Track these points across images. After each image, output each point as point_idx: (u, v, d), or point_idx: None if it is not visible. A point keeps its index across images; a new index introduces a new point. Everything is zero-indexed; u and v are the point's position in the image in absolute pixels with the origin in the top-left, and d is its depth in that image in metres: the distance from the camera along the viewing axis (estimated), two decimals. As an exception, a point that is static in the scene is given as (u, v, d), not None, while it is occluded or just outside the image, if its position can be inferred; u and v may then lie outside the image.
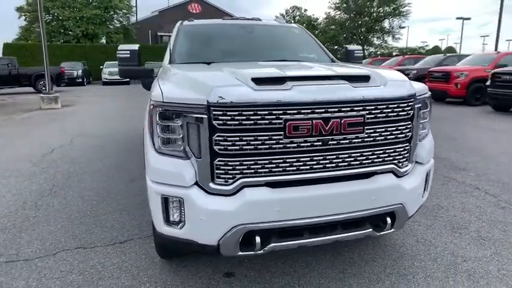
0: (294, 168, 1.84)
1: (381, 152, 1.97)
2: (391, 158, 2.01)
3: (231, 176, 1.79)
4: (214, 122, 1.73)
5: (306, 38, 3.68)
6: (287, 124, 1.76)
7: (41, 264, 2.50)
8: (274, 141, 1.78)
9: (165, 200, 1.87)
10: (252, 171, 1.80)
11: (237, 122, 1.73)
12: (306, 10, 62.12)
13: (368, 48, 44.33)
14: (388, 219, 2.02)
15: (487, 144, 6.04)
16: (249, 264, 2.49)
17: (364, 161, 1.94)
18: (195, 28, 3.45)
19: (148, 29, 38.19)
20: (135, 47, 3.08)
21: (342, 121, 1.82)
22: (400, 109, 1.96)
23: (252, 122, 1.74)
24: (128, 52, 3.07)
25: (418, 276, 2.34)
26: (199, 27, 3.55)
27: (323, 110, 1.79)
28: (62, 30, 31.00)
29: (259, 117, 1.74)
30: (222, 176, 1.79)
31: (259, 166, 1.80)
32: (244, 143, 1.75)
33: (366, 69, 2.19)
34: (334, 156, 1.88)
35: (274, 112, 1.74)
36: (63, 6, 29.84)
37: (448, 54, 15.77)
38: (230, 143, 1.75)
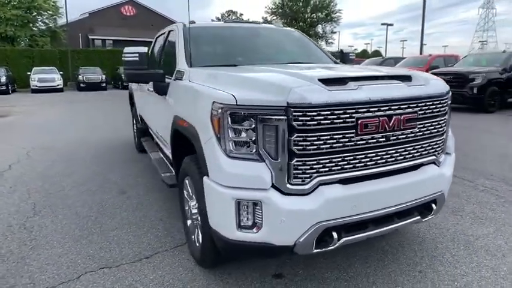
0: (362, 164, 1.93)
1: (427, 144, 2.15)
2: (433, 150, 2.20)
3: (307, 176, 1.82)
4: (294, 122, 1.74)
5: (306, 40, 3.81)
6: (359, 122, 1.85)
7: (68, 291, 2.26)
8: (347, 139, 1.85)
9: (239, 205, 1.83)
10: (327, 169, 1.85)
11: (315, 122, 1.77)
12: (241, 14, 62.90)
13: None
14: (434, 206, 2.21)
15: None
16: (292, 263, 2.52)
17: (415, 154, 2.11)
18: (203, 31, 3.36)
19: (79, 32, 35.48)
20: (144, 49, 2.92)
21: (402, 117, 1.96)
22: (441, 105, 2.17)
23: (329, 121, 1.79)
24: (137, 55, 2.89)
25: (446, 256, 2.58)
26: (208, 30, 3.47)
27: (387, 108, 1.92)
28: (-25, 32, 27.46)
29: (335, 116, 1.80)
30: (299, 176, 1.81)
31: (333, 164, 1.86)
32: (321, 142, 1.80)
33: (405, 70, 2.37)
34: (394, 151, 2.01)
35: (348, 111, 1.82)
36: (-25, 5, 26.45)
37: (386, 57, 17.24)
38: (309, 143, 1.78)
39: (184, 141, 2.63)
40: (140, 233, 3.05)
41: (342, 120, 1.81)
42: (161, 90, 2.96)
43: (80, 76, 22.35)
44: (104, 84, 22.96)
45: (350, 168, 1.90)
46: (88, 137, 7.19)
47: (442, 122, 2.21)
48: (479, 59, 10.98)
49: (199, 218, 2.30)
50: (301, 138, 1.77)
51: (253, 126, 1.79)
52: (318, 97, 1.76)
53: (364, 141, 1.90)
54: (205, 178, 2.01)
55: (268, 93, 1.80)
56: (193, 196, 2.44)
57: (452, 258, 2.56)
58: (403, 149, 2.04)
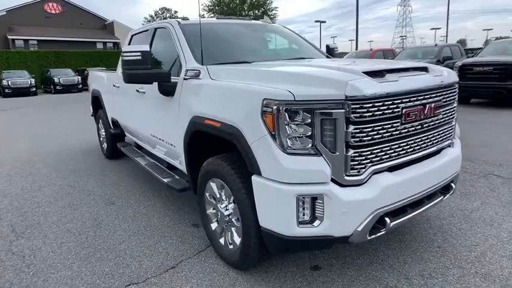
0: (404, 151, 2.04)
1: (446, 129, 2.34)
2: (450, 134, 2.41)
3: (362, 166, 1.88)
4: (351, 115, 1.78)
5: (296, 36, 3.87)
6: (403, 112, 1.95)
7: (102, 314, 2.05)
8: (394, 129, 1.94)
9: (300, 201, 1.82)
10: (378, 158, 1.93)
11: (370, 114, 1.83)
12: (176, 12, 61.17)
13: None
14: (452, 185, 2.42)
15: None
16: (322, 254, 2.57)
17: (439, 139, 2.28)
18: (203, 28, 3.23)
19: (-6, 31, 31.65)
20: (146, 47, 2.72)
21: (432, 105, 2.12)
22: (455, 92, 2.37)
23: (381, 112, 1.87)
24: (139, 54, 2.69)
25: (454, 230, 2.84)
26: (206, 27, 3.33)
27: (423, 97, 2.05)
28: None
29: (385, 107, 1.88)
30: (355, 167, 1.86)
31: (383, 153, 1.94)
32: (375, 132, 1.87)
33: (421, 62, 2.54)
34: (426, 137, 2.16)
35: (395, 102, 1.91)
36: None
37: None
38: (364, 134, 1.84)
39: (208, 142, 2.54)
40: (152, 243, 2.87)
41: (391, 111, 1.90)
42: (168, 90, 2.80)
43: (3, 81, 19.99)
44: (34, 89, 20.84)
45: (395, 156, 2.00)
46: (38, 148, 6.49)
47: (455, 108, 2.42)
48: (415, 52, 12.08)
49: (238, 219, 2.23)
50: (357, 130, 1.81)
51: (310, 121, 1.80)
52: (371, 89, 1.82)
53: (406, 130, 2.01)
54: (255, 177, 1.96)
55: (324, 88, 1.81)
56: (225, 198, 2.36)
57: (459, 231, 2.82)
58: (432, 135, 2.20)
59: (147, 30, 3.82)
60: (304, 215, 1.87)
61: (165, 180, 3.18)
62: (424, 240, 2.72)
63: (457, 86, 2.41)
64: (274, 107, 1.81)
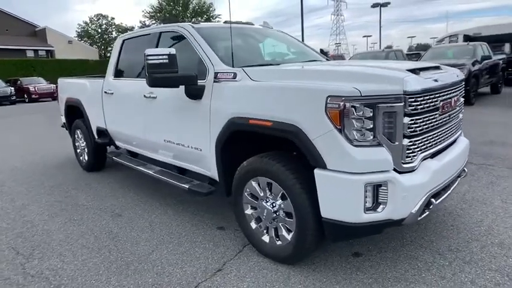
0: (440, 139, 2.31)
1: (460, 120, 2.67)
2: (461, 124, 2.75)
3: (414, 154, 2.09)
4: (408, 108, 1.99)
5: (298, 41, 4.04)
6: (441, 104, 2.21)
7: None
8: (435, 119, 2.20)
9: (367, 188, 1.97)
10: (424, 146, 2.16)
11: (421, 106, 2.05)
12: (113, 18, 58.51)
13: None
14: (465, 168, 2.75)
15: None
16: (357, 242, 2.74)
17: (457, 128, 2.60)
18: (217, 32, 3.24)
19: None
20: (172, 50, 2.68)
21: (455, 98, 2.42)
22: (463, 88, 2.71)
23: (427, 104, 2.10)
24: (166, 57, 2.65)
25: (457, 211, 3.20)
26: (221, 31, 3.34)
27: (451, 91, 2.34)
28: None
29: (430, 100, 2.12)
30: (409, 155, 2.06)
31: (427, 141, 2.18)
32: (423, 123, 2.10)
33: (433, 63, 2.85)
34: (451, 127, 2.46)
35: (436, 95, 2.16)
36: None
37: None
38: (416, 125, 2.06)
39: (247, 142, 2.59)
40: (184, 249, 2.81)
41: (433, 103, 2.15)
42: (195, 93, 2.78)
43: None
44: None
45: (435, 144, 2.25)
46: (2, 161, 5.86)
47: (463, 101, 2.77)
48: (365, 56, 13.09)
49: (290, 214, 2.31)
50: (412, 121, 2.02)
51: (371, 114, 1.96)
52: (420, 85, 2.05)
53: (442, 120, 2.28)
54: (318, 170, 2.07)
55: (383, 84, 1.99)
56: (272, 195, 2.42)
57: (462, 211, 3.19)
58: (454, 125, 2.50)
59: (146, 35, 3.72)
60: (366, 202, 2.02)
61: (186, 185, 3.13)
62: (438, 221, 3.03)
63: (463, 82, 2.76)
64: (341, 103, 1.94)
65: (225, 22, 3.58)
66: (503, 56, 12.34)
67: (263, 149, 2.59)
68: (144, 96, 3.43)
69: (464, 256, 2.48)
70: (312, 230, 2.22)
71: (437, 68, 2.55)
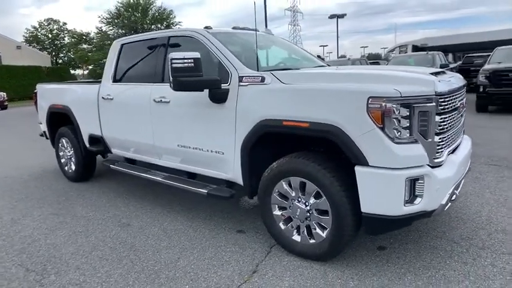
0: (457, 136, 2.53)
1: (465, 119, 2.94)
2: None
3: (442, 150, 2.28)
4: (439, 107, 2.17)
5: (300, 48, 4.18)
6: (459, 104, 2.44)
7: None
8: (455, 118, 2.41)
9: (408, 182, 2.12)
10: (448, 142, 2.36)
11: (448, 105, 2.26)
12: (65, 23, 55.51)
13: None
14: (469, 163, 3.02)
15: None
16: (379, 237, 2.88)
17: (463, 127, 2.86)
18: (232, 37, 3.25)
19: None
20: (197, 54, 2.68)
21: (464, 100, 2.66)
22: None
23: (451, 104, 2.31)
24: (191, 61, 2.64)
25: (455, 203, 3.48)
26: (235, 36, 3.35)
27: (462, 93, 2.58)
28: None
29: (452, 100, 2.33)
30: (439, 150, 2.25)
31: (450, 138, 2.38)
32: (449, 121, 2.30)
33: (437, 68, 3.09)
34: (461, 126, 2.70)
35: (456, 96, 2.39)
36: None
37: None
38: (444, 123, 2.25)
39: (273, 144, 2.66)
40: (210, 254, 2.78)
41: (454, 103, 2.37)
42: (220, 97, 2.80)
43: None
44: None
45: (453, 140, 2.47)
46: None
47: (464, 103, 3.05)
48: (333, 64, 13.66)
49: (326, 212, 2.40)
50: (441, 120, 2.21)
51: (408, 114, 2.11)
52: (447, 86, 2.25)
53: (457, 118, 2.50)
54: (359, 168, 2.18)
55: (418, 86, 2.16)
56: (305, 194, 2.49)
57: (460, 203, 3.47)
58: (463, 123, 2.75)
59: (151, 39, 3.65)
60: (411, 193, 2.16)
61: (204, 190, 3.11)
62: (443, 213, 3.25)
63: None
64: (383, 103, 2.07)
65: (234, 28, 3.63)
66: (457, 64, 13.48)
67: (287, 149, 2.68)
68: (154, 100, 3.37)
69: (477, 243, 2.71)
70: (351, 226, 2.32)
71: (444, 73, 2.79)
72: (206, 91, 2.81)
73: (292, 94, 2.46)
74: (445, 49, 17.57)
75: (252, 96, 2.68)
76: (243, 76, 2.77)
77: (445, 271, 2.38)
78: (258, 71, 2.76)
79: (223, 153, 2.94)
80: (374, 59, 27.69)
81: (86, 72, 52.20)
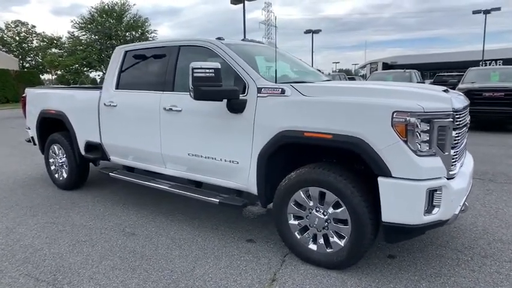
0: (465, 149, 2.71)
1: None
2: (464, 139, 3.23)
3: (456, 162, 2.43)
4: (455, 123, 2.33)
5: (300, 60, 4.31)
6: (468, 120, 2.62)
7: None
8: (464, 133, 2.59)
9: (428, 193, 2.24)
10: (459, 156, 2.52)
11: (461, 121, 2.43)
12: (34, 26, 53.30)
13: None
14: (468, 177, 3.22)
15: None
16: (388, 246, 2.99)
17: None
18: (241, 48, 3.31)
19: None
20: (217, 64, 2.72)
21: (467, 116, 2.87)
22: (464, 108, 3.21)
23: (463, 120, 2.49)
24: (212, 71, 2.68)
25: (451, 214, 3.67)
26: (244, 48, 3.41)
27: (468, 110, 2.78)
28: None
29: (463, 117, 2.51)
30: (453, 163, 2.40)
31: (461, 152, 2.55)
32: (461, 135, 2.47)
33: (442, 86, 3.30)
34: (465, 141, 2.89)
35: (466, 113, 2.57)
36: None
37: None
38: (458, 137, 2.41)
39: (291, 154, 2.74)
40: (225, 264, 2.77)
41: (465, 119, 2.55)
42: (237, 108, 2.84)
43: None
44: None
45: (463, 154, 2.64)
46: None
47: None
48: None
49: (346, 221, 2.47)
50: (456, 134, 2.37)
51: (428, 128, 2.26)
52: (461, 103, 2.42)
53: (465, 134, 2.69)
54: (382, 179, 2.28)
55: (437, 102, 2.31)
56: (323, 204, 2.56)
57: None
58: (466, 139, 2.95)
59: (159, 48, 3.65)
60: (430, 203, 2.29)
61: (216, 199, 3.11)
62: (441, 223, 3.45)
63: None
64: (407, 118, 2.20)
65: (243, 40, 3.70)
66: (430, 81, 14.21)
67: (300, 160, 2.76)
68: (164, 109, 3.35)
69: (479, 252, 2.88)
70: (371, 234, 2.41)
71: (447, 91, 2.99)
72: (223, 101, 2.85)
73: (315, 106, 2.54)
74: (413, 67, 18.59)
75: (272, 107, 2.74)
76: (261, 87, 2.83)
77: (456, 278, 2.51)
78: (276, 82, 2.84)
79: (237, 163, 2.96)
80: (348, 75, 28.68)
81: (54, 77, 50.28)
